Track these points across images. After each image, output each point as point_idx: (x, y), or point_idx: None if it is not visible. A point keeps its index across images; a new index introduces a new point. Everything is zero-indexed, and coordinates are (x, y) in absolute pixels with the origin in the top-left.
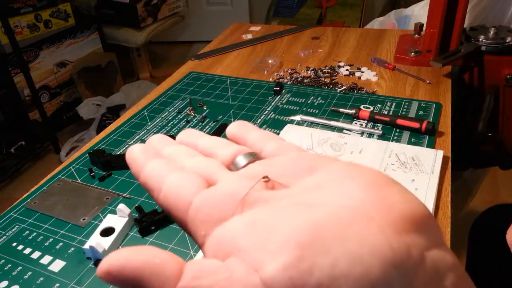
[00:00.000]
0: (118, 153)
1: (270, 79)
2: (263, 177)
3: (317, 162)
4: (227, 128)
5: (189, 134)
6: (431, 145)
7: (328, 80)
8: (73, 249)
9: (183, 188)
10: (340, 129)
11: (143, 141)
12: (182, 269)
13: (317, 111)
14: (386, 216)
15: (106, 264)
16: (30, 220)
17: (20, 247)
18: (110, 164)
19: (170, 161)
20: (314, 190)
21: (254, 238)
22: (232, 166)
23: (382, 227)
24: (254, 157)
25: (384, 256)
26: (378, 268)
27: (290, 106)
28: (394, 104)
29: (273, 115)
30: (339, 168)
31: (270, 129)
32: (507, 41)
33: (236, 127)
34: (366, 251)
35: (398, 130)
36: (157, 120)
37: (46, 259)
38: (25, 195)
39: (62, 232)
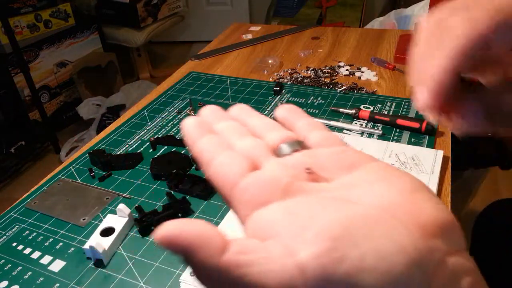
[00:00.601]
0: (118, 153)
1: (270, 79)
2: (306, 169)
3: (358, 160)
4: (277, 110)
5: (242, 110)
6: (431, 145)
7: (328, 80)
8: (73, 249)
9: (230, 168)
10: (340, 129)
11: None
12: (226, 244)
13: (317, 111)
14: (415, 220)
15: (164, 230)
16: (30, 220)
17: (20, 247)
18: (110, 164)
19: (221, 139)
20: (351, 188)
21: (292, 226)
22: (278, 151)
23: (410, 229)
24: (299, 145)
25: (408, 256)
26: (402, 266)
27: None
28: (394, 104)
29: (273, 115)
30: (377, 169)
31: None
32: None
33: (285, 111)
34: (393, 250)
35: (398, 130)
36: (157, 120)
37: (46, 259)
38: (25, 195)
39: (62, 232)
